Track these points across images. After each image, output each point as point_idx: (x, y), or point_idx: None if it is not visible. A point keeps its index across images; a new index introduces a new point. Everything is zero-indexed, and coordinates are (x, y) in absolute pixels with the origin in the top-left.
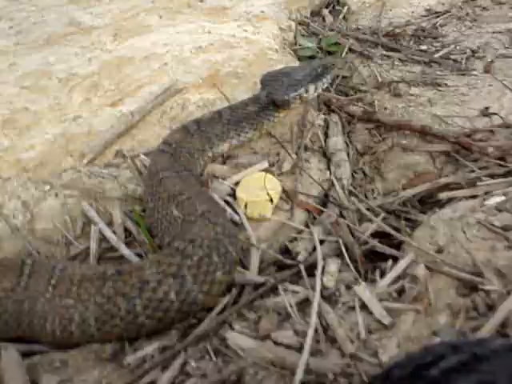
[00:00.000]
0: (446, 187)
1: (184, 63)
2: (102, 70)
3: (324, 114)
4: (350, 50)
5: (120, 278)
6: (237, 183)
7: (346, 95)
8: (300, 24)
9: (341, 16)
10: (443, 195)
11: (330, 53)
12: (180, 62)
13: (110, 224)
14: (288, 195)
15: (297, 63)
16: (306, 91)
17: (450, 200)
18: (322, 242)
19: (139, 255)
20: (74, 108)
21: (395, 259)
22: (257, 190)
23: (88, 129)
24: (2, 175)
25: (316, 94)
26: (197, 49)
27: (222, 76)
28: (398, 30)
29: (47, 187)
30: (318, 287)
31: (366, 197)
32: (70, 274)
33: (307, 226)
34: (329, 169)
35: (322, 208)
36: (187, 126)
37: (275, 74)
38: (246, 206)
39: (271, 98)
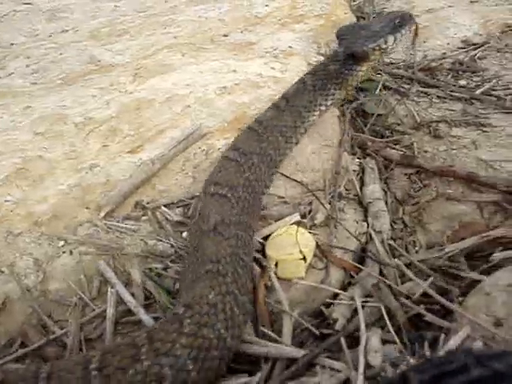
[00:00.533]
0: (497, 241)
1: (208, 105)
2: (120, 114)
3: (359, 158)
4: (384, 86)
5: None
6: (266, 238)
7: (382, 136)
8: None
9: None
10: (498, 255)
11: (362, 89)
12: (204, 104)
13: (128, 284)
14: (322, 251)
15: None
16: (385, 42)
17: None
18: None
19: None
20: (91, 156)
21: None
22: (288, 246)
23: (105, 178)
24: (13, 230)
25: (395, 46)
26: (221, 89)
27: (249, 119)
28: (433, 64)
29: (61, 243)
30: (362, 367)
31: (407, 250)
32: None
33: (344, 287)
34: (366, 220)
35: (360, 266)
36: (277, 103)
37: (351, 28)
38: (276, 264)
39: (349, 51)
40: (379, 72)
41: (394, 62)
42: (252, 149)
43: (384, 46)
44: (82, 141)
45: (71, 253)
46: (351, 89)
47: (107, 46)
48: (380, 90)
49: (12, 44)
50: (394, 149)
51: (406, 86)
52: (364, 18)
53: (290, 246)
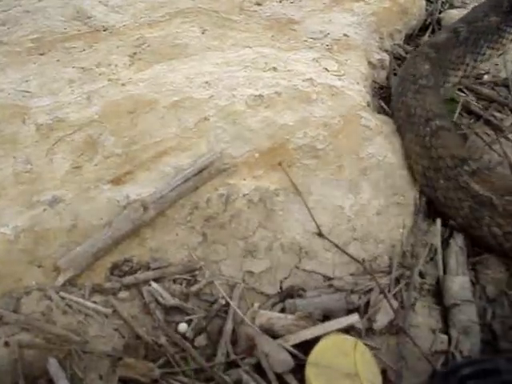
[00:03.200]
0: None
1: (234, 122)
2: (105, 117)
3: (444, 225)
4: (468, 110)
5: None
6: (305, 346)
7: None
8: (395, 58)
9: None
10: None
11: None
12: (228, 118)
13: None
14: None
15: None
16: None
17: None
18: None
19: None
20: (54, 182)
21: None
22: (341, 368)
23: (71, 221)
24: None
25: None
26: (256, 99)
27: (292, 151)
28: None
29: None
30: None
31: None
32: None
33: None
34: (447, 330)
35: None
36: (427, 52)
37: None
38: None
39: None
40: (460, 88)
41: (477, 72)
42: None
43: None
44: (43, 155)
45: (7, 343)
46: (502, 51)
47: None
48: (460, 114)
49: None
50: None
51: (498, 115)
52: (432, 2)
53: (344, 368)
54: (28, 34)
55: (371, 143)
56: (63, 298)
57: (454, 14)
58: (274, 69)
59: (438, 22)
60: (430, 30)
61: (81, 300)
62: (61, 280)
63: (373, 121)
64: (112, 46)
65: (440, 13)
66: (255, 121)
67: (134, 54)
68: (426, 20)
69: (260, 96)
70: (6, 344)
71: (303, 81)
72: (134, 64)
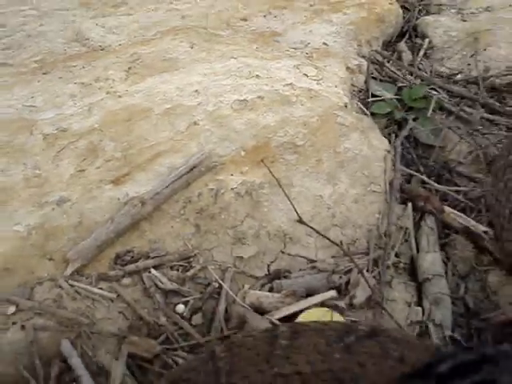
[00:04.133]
0: None
1: (221, 124)
2: (105, 126)
3: (415, 210)
4: (441, 107)
5: None
6: (290, 319)
7: (439, 176)
8: (372, 63)
9: (421, 53)
10: None
11: (411, 108)
12: (216, 121)
13: (100, 374)
14: None
15: (376, 131)
16: None
17: None
18: None
19: None
20: (61, 184)
21: None
22: None
23: (77, 219)
24: None
25: None
26: (240, 103)
27: (274, 148)
28: (498, 81)
29: (11, 309)
30: None
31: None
32: None
33: None
34: (420, 303)
35: None
36: None
37: None
38: None
39: None
40: (432, 85)
41: (450, 74)
42: None
43: None
44: (50, 161)
45: (23, 327)
46: None
47: (99, 20)
48: (433, 110)
49: None
50: (456, 205)
51: (468, 110)
52: (409, 10)
53: None
54: (31, 55)
55: (347, 139)
56: (72, 286)
57: (429, 21)
58: (257, 76)
59: (415, 28)
60: (406, 36)
61: (88, 287)
62: (70, 270)
63: (348, 119)
64: (109, 62)
65: (417, 19)
66: (240, 123)
67: (129, 68)
68: (403, 27)
69: (244, 100)
70: (23, 327)
71: (284, 86)
72: (129, 78)
